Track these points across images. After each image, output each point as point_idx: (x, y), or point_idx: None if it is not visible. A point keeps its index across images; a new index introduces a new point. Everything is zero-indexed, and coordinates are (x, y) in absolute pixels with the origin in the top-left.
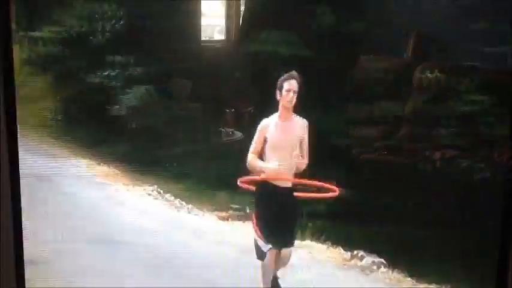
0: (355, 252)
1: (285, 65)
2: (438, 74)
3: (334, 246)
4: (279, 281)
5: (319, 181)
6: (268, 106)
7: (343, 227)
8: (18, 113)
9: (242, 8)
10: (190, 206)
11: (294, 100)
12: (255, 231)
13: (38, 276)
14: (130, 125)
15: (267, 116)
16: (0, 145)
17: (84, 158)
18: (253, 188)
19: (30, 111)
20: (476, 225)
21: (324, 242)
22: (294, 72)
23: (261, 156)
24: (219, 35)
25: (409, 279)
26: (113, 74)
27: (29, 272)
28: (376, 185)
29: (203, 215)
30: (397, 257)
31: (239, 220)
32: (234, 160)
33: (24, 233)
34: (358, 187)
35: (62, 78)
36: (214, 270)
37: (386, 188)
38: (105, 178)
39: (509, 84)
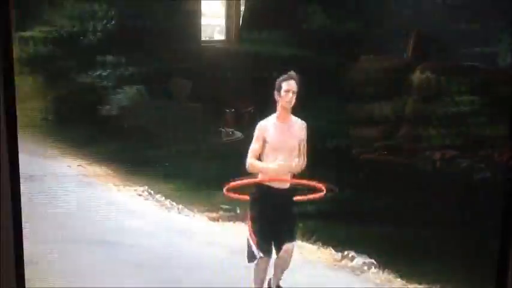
0: (346, 252)
1: (285, 65)
2: (438, 74)
3: (325, 246)
4: (280, 282)
5: (319, 181)
6: (268, 106)
7: (334, 227)
8: (18, 113)
9: (242, 8)
10: (180, 206)
11: (293, 100)
12: (249, 234)
13: (38, 276)
14: (122, 125)
15: (267, 116)
16: (0, 145)
17: (74, 158)
18: (244, 197)
19: (21, 111)
20: (476, 225)
21: (314, 242)
22: (292, 73)
23: (259, 157)
24: (219, 35)
25: (399, 279)
26: (115, 73)
27: (29, 272)
28: (376, 185)
29: (193, 215)
30: (388, 258)
31: (229, 221)
32: (233, 160)
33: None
34: (358, 187)
35: (53, 78)
36: (204, 270)
37: (386, 188)
38: (96, 178)
39: (509, 84)
